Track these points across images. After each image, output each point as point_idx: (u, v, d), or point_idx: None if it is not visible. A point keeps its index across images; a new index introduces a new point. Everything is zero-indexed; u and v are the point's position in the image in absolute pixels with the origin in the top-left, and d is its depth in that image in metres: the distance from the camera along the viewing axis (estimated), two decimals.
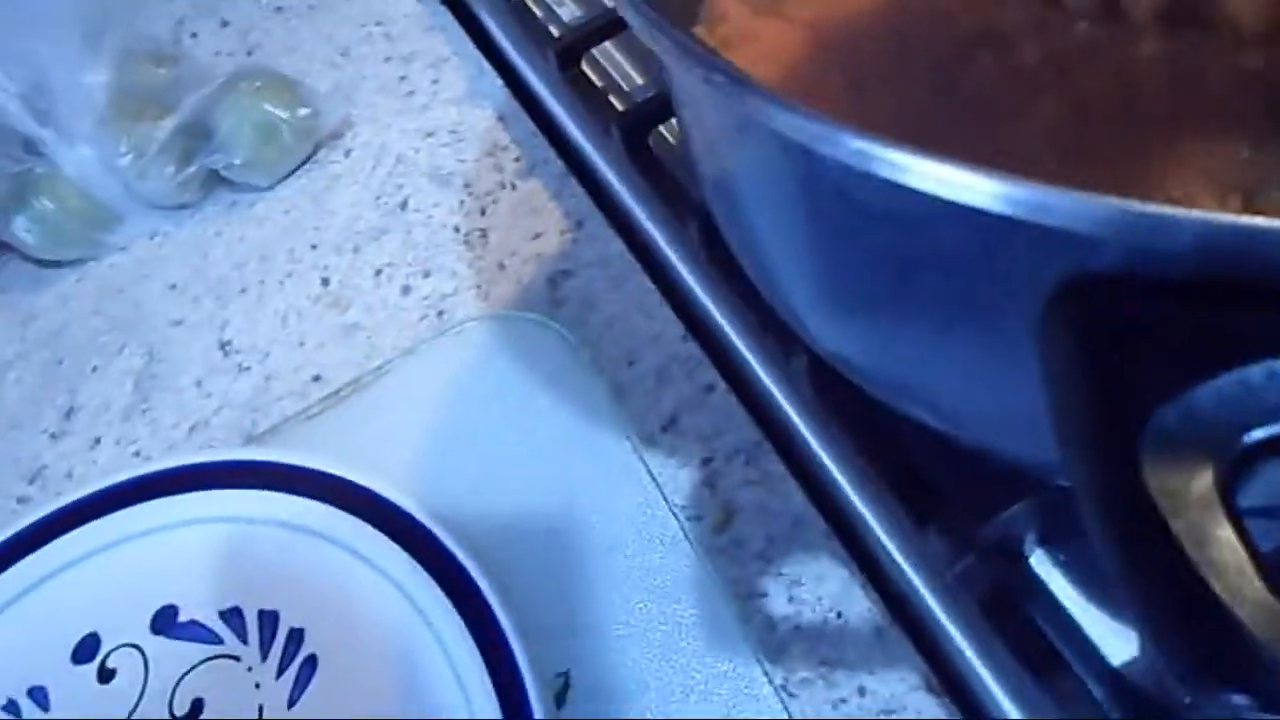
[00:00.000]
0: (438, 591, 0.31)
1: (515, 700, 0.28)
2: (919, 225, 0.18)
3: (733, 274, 0.33)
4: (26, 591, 0.36)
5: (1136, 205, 0.14)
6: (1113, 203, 0.14)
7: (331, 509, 0.34)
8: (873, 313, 0.21)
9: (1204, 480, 0.13)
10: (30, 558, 0.36)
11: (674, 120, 0.40)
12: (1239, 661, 0.12)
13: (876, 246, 0.19)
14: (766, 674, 0.29)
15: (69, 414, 0.43)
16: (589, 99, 0.40)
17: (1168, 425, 0.14)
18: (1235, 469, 0.13)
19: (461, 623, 0.30)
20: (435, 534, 0.32)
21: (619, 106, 0.41)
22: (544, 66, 0.43)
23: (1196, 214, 0.13)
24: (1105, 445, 0.14)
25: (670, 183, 0.36)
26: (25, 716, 0.34)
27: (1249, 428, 0.14)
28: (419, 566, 0.31)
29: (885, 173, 0.15)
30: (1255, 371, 0.14)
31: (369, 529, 0.33)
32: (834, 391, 0.29)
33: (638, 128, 0.37)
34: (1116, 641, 0.26)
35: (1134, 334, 0.15)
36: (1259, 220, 0.13)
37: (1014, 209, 0.14)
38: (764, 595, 0.31)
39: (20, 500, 0.41)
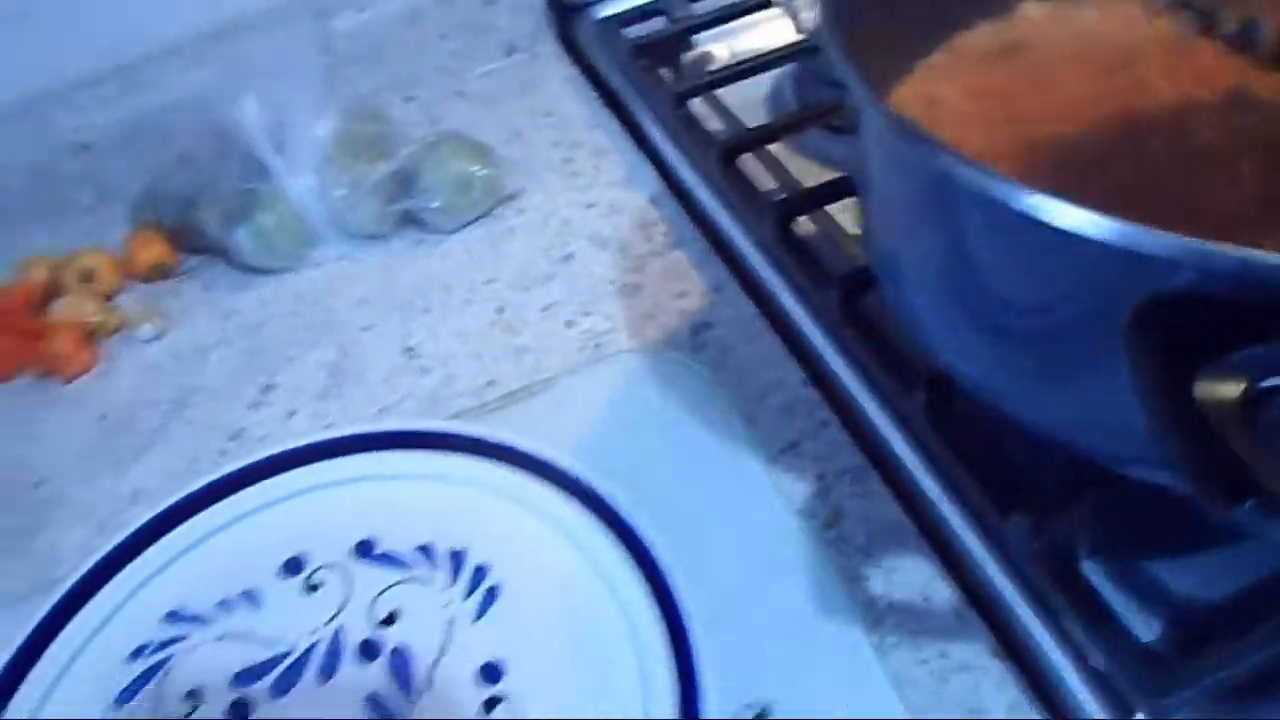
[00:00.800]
0: (608, 540, 0.40)
1: (678, 632, 0.37)
2: (1053, 261, 0.28)
3: (861, 331, 0.44)
4: (240, 519, 0.45)
5: (1196, 241, 0.24)
6: (1182, 238, 0.24)
7: (514, 471, 0.43)
8: (1003, 333, 0.31)
9: (1233, 402, 0.23)
10: (248, 491, 0.46)
11: (804, 217, 0.51)
12: (1246, 489, 0.22)
13: (1019, 281, 0.30)
14: (866, 638, 0.38)
15: (266, 391, 0.53)
16: (743, 191, 0.51)
17: (1211, 374, 0.24)
18: (1252, 398, 0.23)
19: (629, 565, 0.39)
20: (603, 493, 0.41)
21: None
22: (703, 162, 0.54)
23: (1229, 248, 0.24)
24: (1169, 384, 0.24)
25: (811, 259, 0.47)
26: (238, 613, 0.43)
27: (1261, 379, 0.24)
28: (593, 520, 0.41)
29: (1045, 217, 0.26)
30: (1260, 350, 0.24)
31: (545, 487, 0.42)
32: (942, 418, 0.39)
33: (785, 216, 0.48)
34: (1144, 626, 0.35)
35: (1191, 324, 0.25)
36: (1260, 254, 0.23)
37: (1125, 241, 0.25)
38: (865, 580, 0.40)
39: (221, 453, 0.51)
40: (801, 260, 0.47)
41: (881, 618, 0.39)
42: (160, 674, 0.41)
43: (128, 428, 0.53)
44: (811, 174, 0.54)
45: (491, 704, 0.38)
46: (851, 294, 0.44)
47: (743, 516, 0.42)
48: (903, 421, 0.41)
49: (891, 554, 0.40)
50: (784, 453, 0.44)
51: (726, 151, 0.52)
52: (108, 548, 0.45)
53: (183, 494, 0.46)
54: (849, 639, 0.38)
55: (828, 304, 0.45)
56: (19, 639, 0.43)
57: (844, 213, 0.50)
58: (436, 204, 0.57)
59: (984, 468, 0.38)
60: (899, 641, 0.38)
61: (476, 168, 0.57)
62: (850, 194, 0.48)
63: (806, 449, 0.44)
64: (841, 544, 0.41)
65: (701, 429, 0.46)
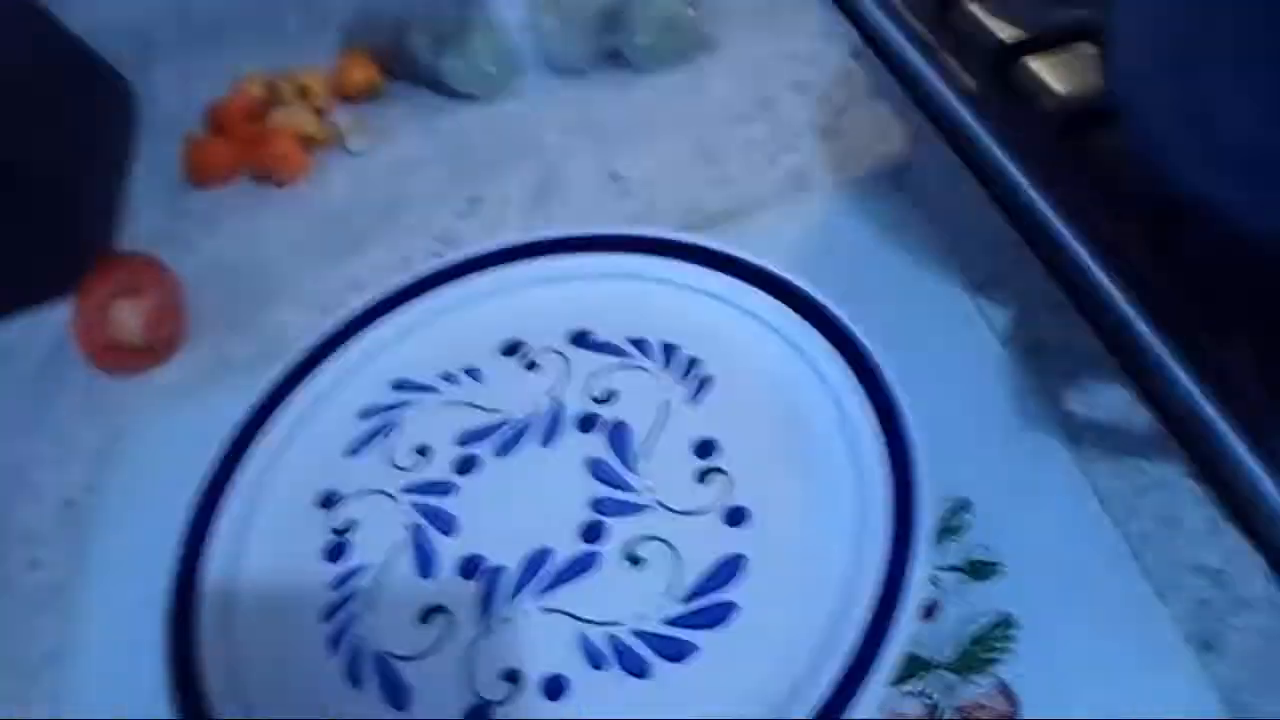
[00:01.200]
0: (818, 338, 0.42)
1: (895, 429, 0.40)
2: None
3: (1071, 169, 0.45)
4: (461, 304, 0.49)
5: None
6: None
7: (723, 275, 0.46)
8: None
9: None
10: (468, 279, 0.49)
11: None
12: None
13: None
14: (1065, 449, 0.40)
15: (474, 203, 0.56)
16: (952, 40, 0.52)
17: None
18: None
19: (839, 361, 0.42)
20: (813, 295, 0.44)
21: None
22: (911, 13, 0.55)
23: None
24: None
25: (1019, 104, 0.48)
26: (462, 384, 0.46)
27: None
28: (803, 320, 0.43)
29: None
30: None
31: (755, 291, 0.45)
32: (1159, 248, 0.40)
33: (998, 61, 0.49)
34: None
35: None
36: None
37: None
38: (1066, 401, 0.42)
39: (433, 254, 0.54)
40: (1009, 105, 0.48)
41: (1081, 434, 0.41)
42: (388, 431, 0.45)
43: (342, 228, 0.57)
44: (1009, 32, 0.55)
45: (705, 475, 0.41)
46: (1064, 133, 0.45)
47: (946, 338, 0.45)
48: (1112, 252, 0.43)
49: (1092, 380, 0.42)
50: (985, 285, 0.46)
51: (938, 3, 0.54)
52: (336, 321, 0.49)
53: (405, 279, 0.50)
54: (1048, 449, 0.40)
55: (1037, 144, 0.46)
56: (258, 393, 0.47)
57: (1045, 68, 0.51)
58: (642, 42, 0.59)
59: (1202, 296, 0.39)
60: (1097, 456, 0.40)
61: (683, 9, 0.59)
62: (1055, 46, 0.49)
63: (1008, 281, 0.46)
64: (1043, 371, 0.43)
65: (904, 259, 0.48)
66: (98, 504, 0.49)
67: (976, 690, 0.35)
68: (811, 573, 0.37)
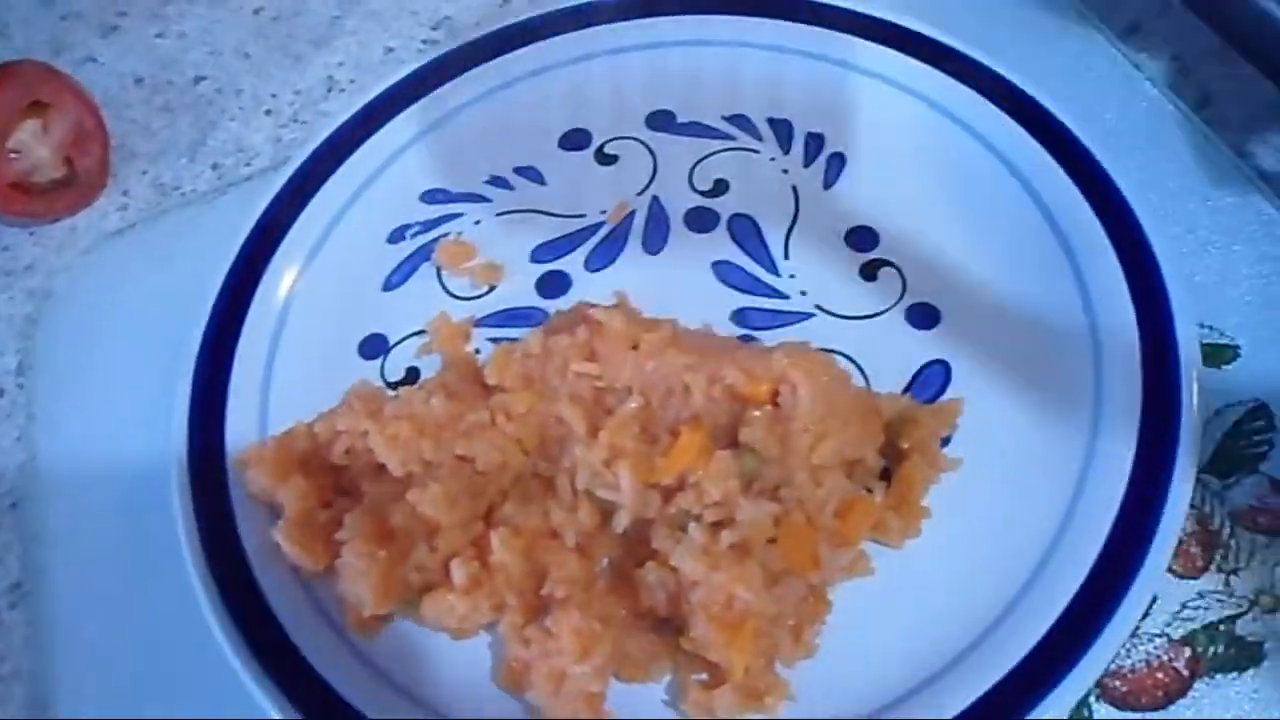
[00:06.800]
0: (963, 91, 0.35)
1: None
2: None
3: None
4: (498, 90, 0.38)
5: None
6: None
7: (837, 32, 0.37)
8: None
9: None
10: (503, 60, 0.38)
11: None
12: None
13: None
14: (1269, 205, 0.34)
15: None
16: None
17: None
18: None
19: (1000, 118, 0.34)
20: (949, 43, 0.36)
21: None
22: None
23: None
24: None
25: None
26: (516, 190, 0.36)
27: None
28: (940, 73, 0.35)
29: None
30: None
31: (871, 46, 0.36)
32: None
33: None
34: None
35: None
36: None
37: None
38: (1252, 155, 0.36)
39: (425, 43, 0.43)
40: None
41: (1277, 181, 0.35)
42: (430, 254, 0.35)
43: (294, 21, 0.45)
44: None
45: (872, 267, 0.33)
46: None
47: (1103, 93, 0.37)
48: None
49: (1276, 133, 0.36)
50: (1129, 33, 0.39)
51: None
52: (328, 129, 0.38)
53: (408, 70, 0.39)
54: (1248, 207, 0.34)
55: None
56: (247, 226, 0.36)
57: None
58: None
59: None
60: None
61: None
62: None
63: (1153, 28, 0.39)
64: (1218, 124, 0.37)
65: (1034, 9, 0.40)
66: (36, 388, 0.37)
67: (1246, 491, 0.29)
68: (1032, 361, 0.30)
